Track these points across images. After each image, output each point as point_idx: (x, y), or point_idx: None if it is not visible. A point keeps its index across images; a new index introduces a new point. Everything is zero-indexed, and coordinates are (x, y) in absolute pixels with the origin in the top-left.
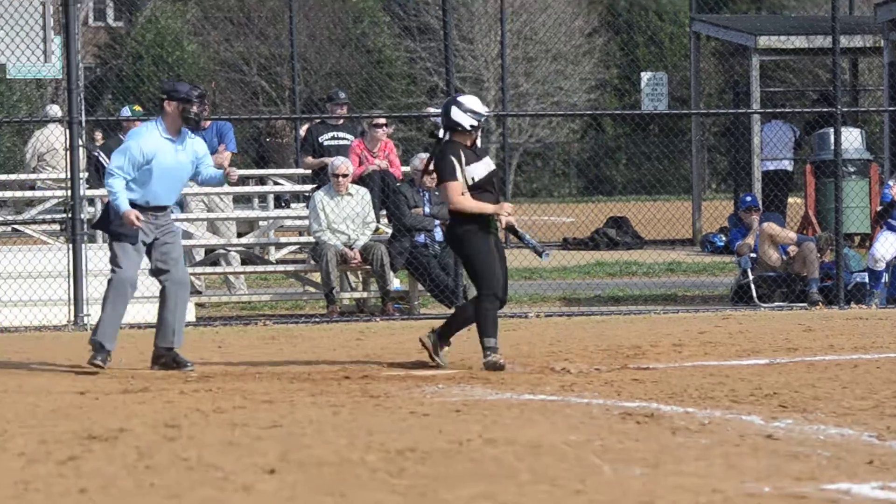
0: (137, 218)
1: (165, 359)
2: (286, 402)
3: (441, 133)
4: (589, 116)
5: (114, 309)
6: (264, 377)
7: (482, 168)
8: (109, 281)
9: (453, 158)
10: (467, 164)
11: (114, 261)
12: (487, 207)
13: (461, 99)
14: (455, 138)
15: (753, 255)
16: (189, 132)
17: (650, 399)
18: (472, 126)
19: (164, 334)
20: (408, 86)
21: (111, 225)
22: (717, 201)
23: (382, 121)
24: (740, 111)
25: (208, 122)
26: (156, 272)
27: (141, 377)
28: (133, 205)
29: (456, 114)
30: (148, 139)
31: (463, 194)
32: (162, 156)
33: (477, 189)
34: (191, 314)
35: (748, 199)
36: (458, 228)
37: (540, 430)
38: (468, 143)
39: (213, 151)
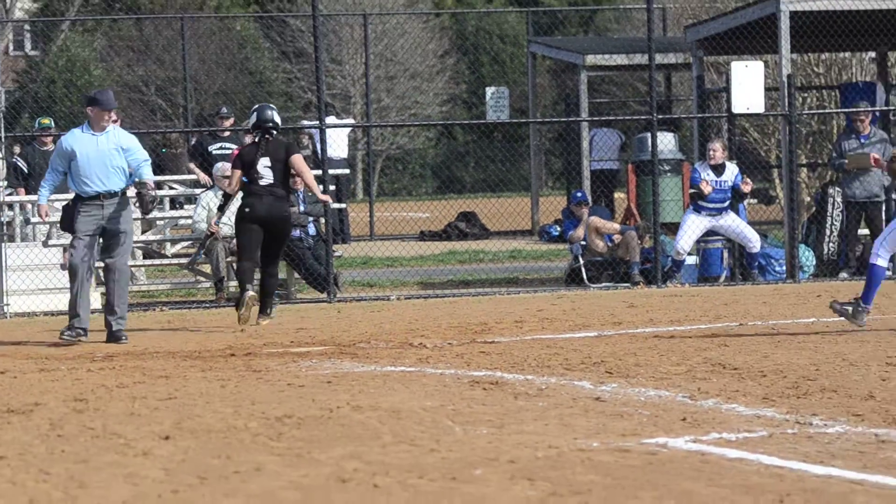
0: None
1: (109, 332)
2: (180, 377)
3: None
4: (442, 126)
5: (71, 291)
6: (161, 355)
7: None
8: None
9: None
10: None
11: (67, 247)
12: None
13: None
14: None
15: (584, 242)
16: (117, 128)
17: (495, 368)
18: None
19: (108, 310)
20: (285, 102)
21: (62, 218)
22: (552, 197)
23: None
24: (571, 119)
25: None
26: (101, 258)
27: (54, 358)
28: (82, 198)
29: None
30: (69, 137)
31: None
32: (83, 147)
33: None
34: (97, 301)
35: (578, 194)
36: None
37: (400, 397)
38: None
39: None
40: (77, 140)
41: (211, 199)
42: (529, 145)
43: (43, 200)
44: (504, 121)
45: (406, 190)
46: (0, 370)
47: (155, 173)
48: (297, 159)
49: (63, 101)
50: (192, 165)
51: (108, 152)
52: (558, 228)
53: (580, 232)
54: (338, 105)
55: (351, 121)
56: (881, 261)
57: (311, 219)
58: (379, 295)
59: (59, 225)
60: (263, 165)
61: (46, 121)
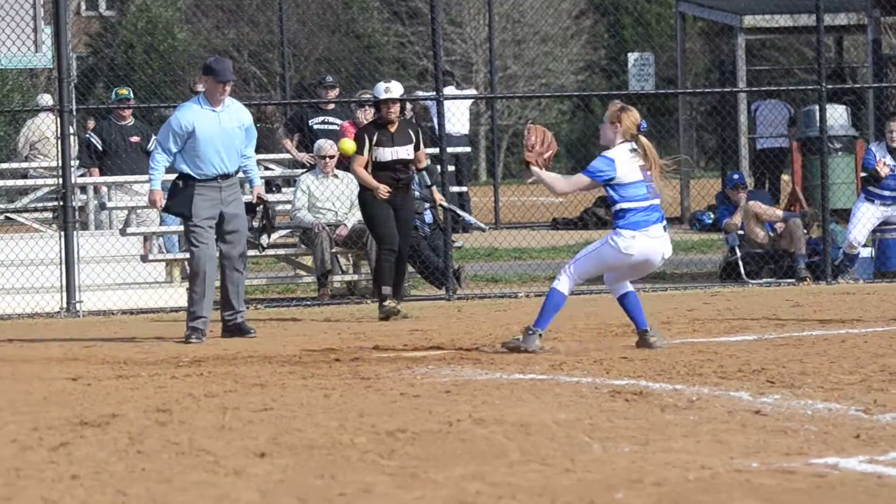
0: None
1: (231, 326)
2: (277, 386)
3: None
4: (577, 97)
5: (193, 289)
6: (255, 360)
7: (387, 154)
8: (188, 261)
9: (365, 136)
10: (377, 145)
11: (189, 242)
12: (371, 183)
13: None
14: (377, 119)
15: (741, 232)
16: (234, 101)
17: (639, 377)
18: (377, 104)
19: (225, 304)
20: (397, 70)
21: (169, 201)
22: (705, 179)
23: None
24: (727, 90)
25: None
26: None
27: (133, 363)
28: (198, 180)
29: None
30: (186, 112)
31: (366, 167)
32: (203, 124)
33: (379, 167)
34: (182, 299)
35: (735, 177)
36: (362, 193)
37: (530, 409)
38: (389, 126)
39: None
40: (197, 117)
41: (311, 181)
42: (678, 120)
43: (157, 185)
44: (649, 91)
45: None
46: (72, 377)
47: None
48: None
49: (143, 68)
50: (286, 142)
51: (230, 131)
52: (712, 216)
53: (737, 219)
54: (457, 73)
55: (473, 91)
56: (562, 285)
57: (427, 205)
58: (505, 291)
59: (164, 207)
60: None
61: (124, 91)
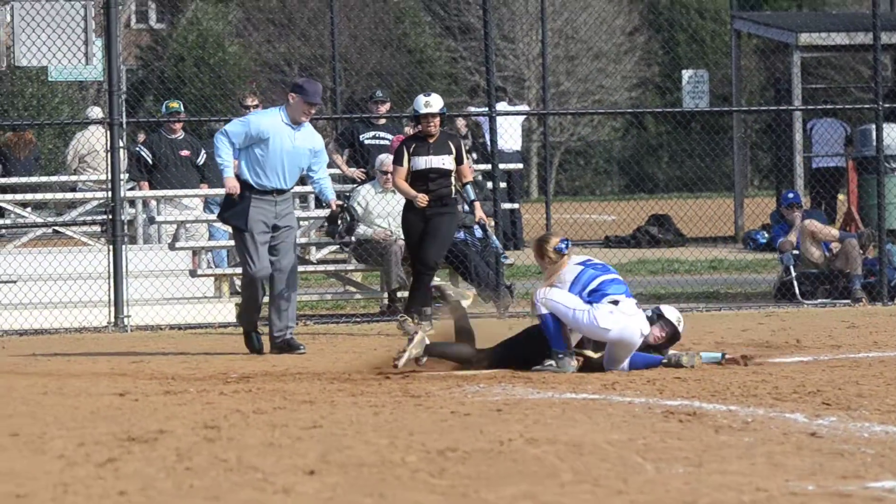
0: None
1: (280, 342)
2: (326, 403)
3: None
4: (630, 114)
5: (248, 300)
6: (304, 377)
7: (421, 162)
8: (243, 273)
9: (403, 147)
10: (413, 154)
11: (242, 258)
12: (409, 193)
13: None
14: (417, 132)
15: (796, 252)
16: (308, 124)
17: (693, 397)
18: (417, 117)
19: (274, 319)
20: (449, 85)
21: (224, 213)
22: (760, 198)
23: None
24: (782, 108)
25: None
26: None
27: (181, 378)
28: (254, 190)
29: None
30: (268, 119)
31: (406, 179)
32: (279, 138)
33: (415, 177)
34: (231, 314)
35: (790, 195)
36: (403, 211)
37: (582, 429)
38: (428, 138)
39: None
40: (276, 127)
41: (369, 194)
42: (733, 138)
43: (231, 173)
44: (703, 109)
45: (588, 188)
46: (120, 392)
47: None
48: None
49: (193, 81)
50: (336, 158)
51: (301, 151)
52: (766, 235)
53: (792, 239)
54: (510, 89)
55: (525, 107)
56: (546, 310)
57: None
58: None
59: (218, 216)
60: None
61: (175, 104)
